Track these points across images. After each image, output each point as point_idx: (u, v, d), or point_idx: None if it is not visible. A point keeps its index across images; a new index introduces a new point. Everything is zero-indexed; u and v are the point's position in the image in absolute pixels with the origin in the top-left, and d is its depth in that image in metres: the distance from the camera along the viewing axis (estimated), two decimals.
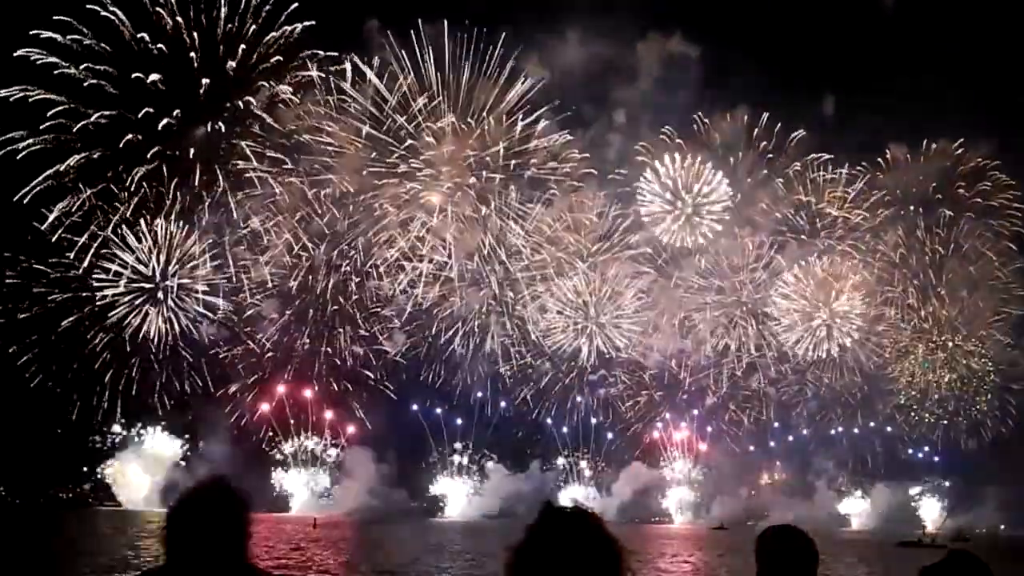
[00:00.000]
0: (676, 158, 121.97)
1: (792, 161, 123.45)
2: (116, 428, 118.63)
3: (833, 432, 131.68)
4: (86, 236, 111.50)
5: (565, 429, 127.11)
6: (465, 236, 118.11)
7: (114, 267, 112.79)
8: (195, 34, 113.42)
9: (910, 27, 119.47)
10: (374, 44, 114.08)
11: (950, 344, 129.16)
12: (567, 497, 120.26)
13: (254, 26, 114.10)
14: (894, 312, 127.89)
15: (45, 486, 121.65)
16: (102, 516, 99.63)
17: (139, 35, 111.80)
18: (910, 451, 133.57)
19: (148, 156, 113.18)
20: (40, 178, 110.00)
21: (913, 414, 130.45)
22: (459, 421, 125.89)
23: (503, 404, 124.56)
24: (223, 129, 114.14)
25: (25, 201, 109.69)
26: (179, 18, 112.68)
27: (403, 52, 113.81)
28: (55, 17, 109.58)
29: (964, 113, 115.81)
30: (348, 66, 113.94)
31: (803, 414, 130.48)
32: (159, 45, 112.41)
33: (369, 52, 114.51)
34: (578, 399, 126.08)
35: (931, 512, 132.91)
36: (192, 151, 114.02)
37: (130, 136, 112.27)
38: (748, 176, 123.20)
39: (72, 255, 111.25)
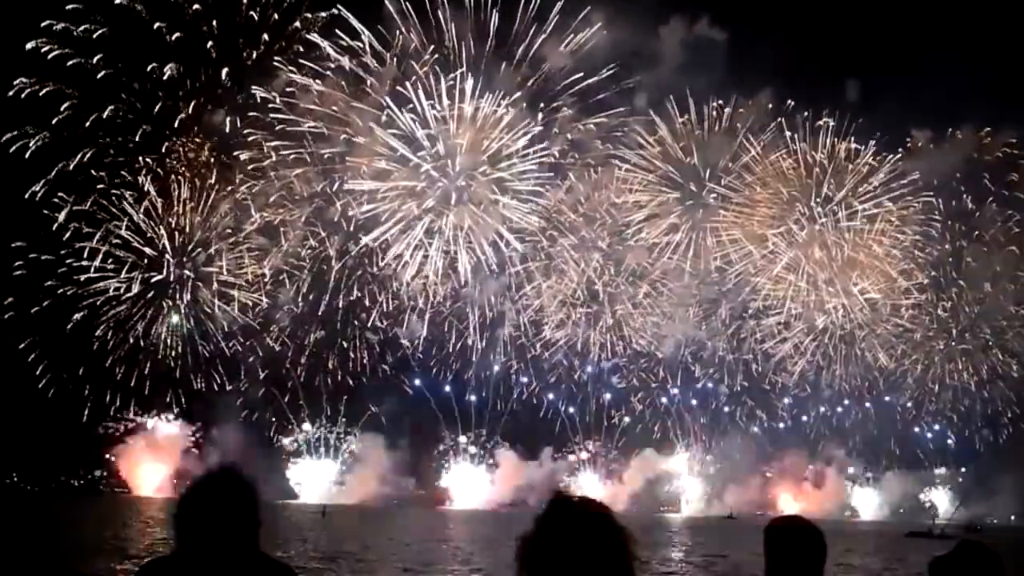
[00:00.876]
0: (694, 143, 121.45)
1: (815, 147, 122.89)
2: (128, 416, 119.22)
3: (847, 423, 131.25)
4: (102, 230, 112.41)
5: (577, 416, 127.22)
6: (482, 225, 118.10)
7: (131, 259, 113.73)
8: (214, 22, 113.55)
9: (937, 11, 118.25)
10: (394, 28, 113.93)
11: (967, 335, 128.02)
12: (578, 486, 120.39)
13: (275, 15, 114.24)
14: (910, 303, 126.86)
15: (57, 473, 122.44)
16: (109, 503, 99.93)
17: (156, 24, 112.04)
18: (923, 441, 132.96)
19: (163, 149, 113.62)
20: (53, 172, 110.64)
21: (928, 404, 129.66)
22: (472, 405, 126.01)
23: (515, 392, 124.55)
24: (239, 122, 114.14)
25: (37, 197, 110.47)
26: (197, 5, 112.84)
27: (423, 35, 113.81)
28: (68, 6, 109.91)
29: (991, 99, 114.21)
30: (367, 47, 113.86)
31: (816, 403, 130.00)
32: (176, 34, 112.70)
33: (390, 34, 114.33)
34: (590, 387, 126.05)
35: (943, 502, 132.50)
36: (208, 142, 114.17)
37: (145, 128, 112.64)
38: (769, 162, 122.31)
39: (86, 251, 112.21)
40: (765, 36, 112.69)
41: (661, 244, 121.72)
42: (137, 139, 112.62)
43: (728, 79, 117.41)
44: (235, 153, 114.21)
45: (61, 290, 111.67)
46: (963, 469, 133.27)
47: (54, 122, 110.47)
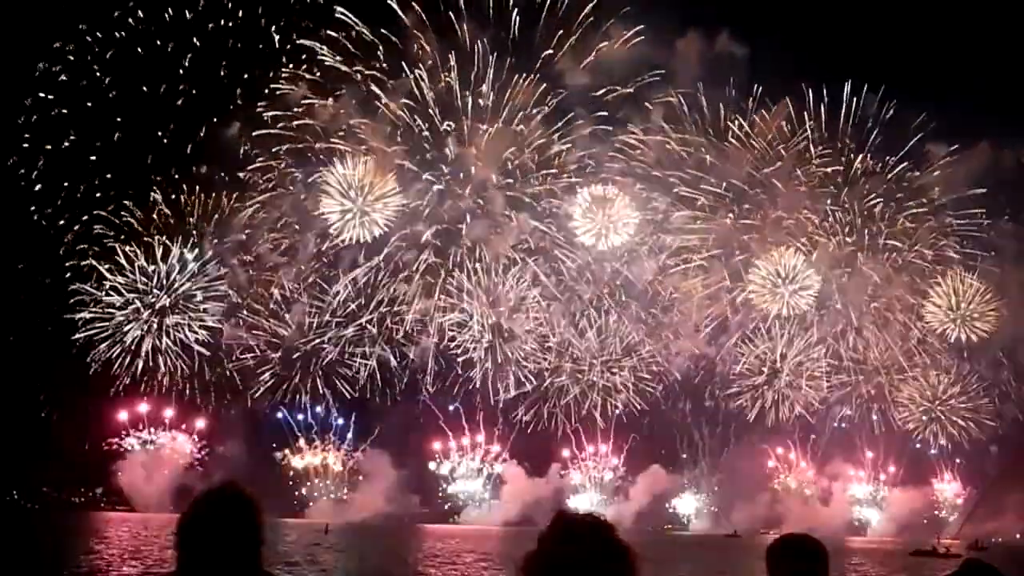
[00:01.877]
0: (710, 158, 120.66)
1: (833, 163, 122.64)
2: (132, 433, 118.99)
3: (855, 440, 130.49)
4: (108, 253, 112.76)
5: (583, 433, 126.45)
6: (495, 242, 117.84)
7: (138, 280, 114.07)
8: (229, 42, 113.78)
9: (955, 26, 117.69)
10: (410, 41, 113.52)
11: (977, 353, 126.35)
12: (583, 503, 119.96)
13: (294, 34, 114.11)
14: (922, 325, 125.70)
15: (57, 490, 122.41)
16: (101, 520, 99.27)
17: (169, 46, 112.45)
18: (931, 459, 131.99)
19: (172, 171, 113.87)
20: (61, 194, 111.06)
21: (937, 423, 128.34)
22: (480, 423, 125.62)
23: (522, 410, 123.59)
24: (251, 143, 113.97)
25: (44, 221, 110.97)
26: (212, 25, 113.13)
27: (440, 50, 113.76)
28: (80, 26, 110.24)
29: (1008, 114, 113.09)
30: (382, 64, 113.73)
31: (824, 421, 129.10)
32: (189, 55, 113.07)
33: (408, 49, 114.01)
34: (598, 405, 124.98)
35: (949, 520, 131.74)
36: (219, 160, 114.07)
37: (155, 152, 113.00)
38: (790, 177, 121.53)
39: (94, 275, 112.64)
40: (782, 51, 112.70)
41: (676, 262, 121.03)
42: (148, 161, 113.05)
43: (745, 94, 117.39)
44: (245, 175, 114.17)
45: (68, 314, 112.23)
46: (968, 491, 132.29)
47: (64, 144, 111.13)
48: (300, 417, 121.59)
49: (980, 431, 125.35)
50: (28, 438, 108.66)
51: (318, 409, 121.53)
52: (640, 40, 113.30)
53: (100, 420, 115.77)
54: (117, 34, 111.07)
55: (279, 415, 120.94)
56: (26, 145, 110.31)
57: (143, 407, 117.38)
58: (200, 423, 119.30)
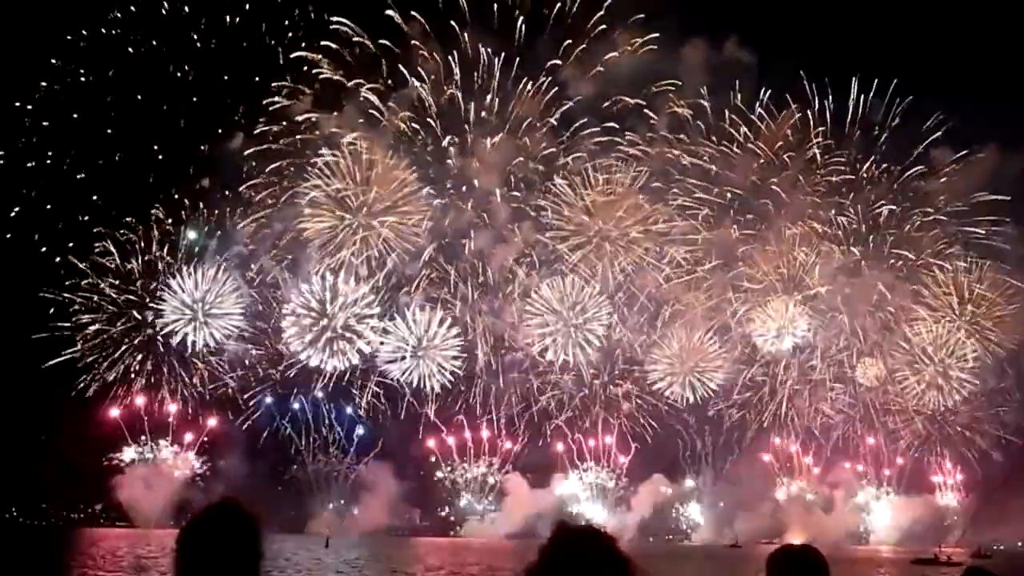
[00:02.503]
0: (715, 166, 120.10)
1: (839, 171, 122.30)
2: (129, 447, 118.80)
3: (858, 448, 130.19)
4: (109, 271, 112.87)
5: (586, 442, 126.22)
6: (498, 254, 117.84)
7: (137, 296, 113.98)
8: (230, 56, 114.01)
9: (960, 32, 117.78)
10: (413, 52, 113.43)
11: (981, 359, 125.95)
12: (585, 514, 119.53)
13: (301, 44, 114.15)
14: (927, 330, 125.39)
15: (57, 507, 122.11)
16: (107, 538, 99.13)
17: (169, 62, 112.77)
18: (932, 466, 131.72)
19: (172, 190, 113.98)
20: (63, 212, 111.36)
21: (939, 430, 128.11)
22: (482, 438, 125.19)
23: (524, 421, 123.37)
24: (253, 161, 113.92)
25: (43, 245, 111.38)
26: (214, 41, 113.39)
27: (443, 61, 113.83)
28: (80, 44, 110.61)
29: (1013, 118, 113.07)
30: (385, 76, 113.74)
31: (827, 429, 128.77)
32: (189, 71, 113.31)
33: (409, 57, 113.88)
34: (600, 413, 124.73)
35: (951, 528, 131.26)
36: (221, 175, 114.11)
37: (155, 172, 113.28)
38: (795, 185, 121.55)
39: (98, 293, 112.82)
40: (790, 56, 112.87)
41: (679, 273, 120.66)
42: (150, 180, 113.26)
43: (752, 100, 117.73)
44: (247, 190, 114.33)
45: (68, 331, 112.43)
46: (978, 497, 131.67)
47: (66, 164, 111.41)
48: (301, 431, 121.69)
49: (983, 438, 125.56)
50: (27, 455, 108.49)
51: (320, 423, 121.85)
52: (647, 48, 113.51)
53: (100, 436, 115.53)
54: (117, 52, 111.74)
55: (280, 429, 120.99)
56: (27, 163, 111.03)
57: (143, 422, 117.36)
58: (201, 437, 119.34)
